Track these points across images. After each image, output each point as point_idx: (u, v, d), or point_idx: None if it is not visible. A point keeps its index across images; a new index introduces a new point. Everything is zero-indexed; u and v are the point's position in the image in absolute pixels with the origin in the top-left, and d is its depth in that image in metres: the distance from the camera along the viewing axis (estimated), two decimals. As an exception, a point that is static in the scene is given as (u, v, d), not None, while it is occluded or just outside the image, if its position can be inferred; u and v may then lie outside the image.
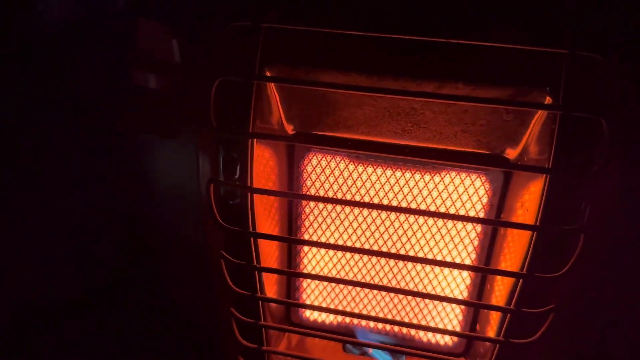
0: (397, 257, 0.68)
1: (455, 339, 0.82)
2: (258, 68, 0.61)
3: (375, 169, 0.74)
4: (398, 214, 0.75)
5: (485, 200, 0.72)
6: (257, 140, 0.65)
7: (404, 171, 0.73)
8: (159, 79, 0.68)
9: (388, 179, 0.73)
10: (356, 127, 0.70)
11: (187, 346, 0.90)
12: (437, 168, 0.72)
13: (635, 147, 0.57)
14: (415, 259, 0.69)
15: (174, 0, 0.69)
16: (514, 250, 0.68)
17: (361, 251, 0.72)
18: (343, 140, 0.71)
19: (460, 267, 0.69)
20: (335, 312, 0.75)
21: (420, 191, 0.73)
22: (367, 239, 0.78)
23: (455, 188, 0.72)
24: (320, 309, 0.81)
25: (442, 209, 0.73)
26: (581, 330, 0.68)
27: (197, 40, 0.66)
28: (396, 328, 0.83)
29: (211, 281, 0.71)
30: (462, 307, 0.79)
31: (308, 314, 0.86)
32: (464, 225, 0.74)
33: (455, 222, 0.74)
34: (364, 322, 0.84)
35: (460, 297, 0.78)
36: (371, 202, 0.75)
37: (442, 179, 0.72)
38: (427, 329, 0.75)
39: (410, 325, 0.80)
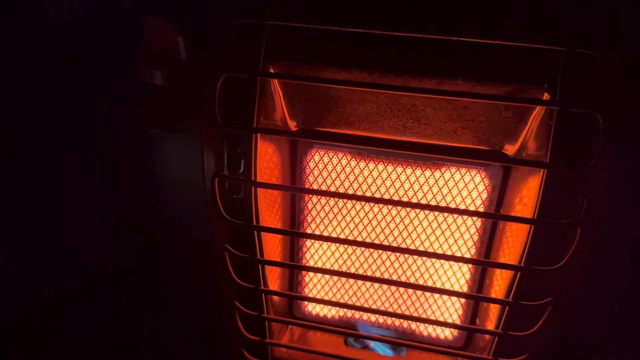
0: (399, 250, 0.69)
1: (455, 332, 0.83)
2: (262, 65, 0.63)
3: (376, 165, 0.75)
4: (399, 209, 0.76)
5: (485, 195, 0.74)
6: (261, 136, 0.66)
7: (405, 167, 0.74)
8: (165, 75, 0.69)
9: (389, 175, 0.75)
10: (358, 124, 0.71)
11: (191, 338, 0.92)
12: (437, 164, 0.73)
13: (631, 142, 0.58)
14: (416, 252, 0.70)
15: (180, -1, 0.71)
16: (513, 245, 0.69)
17: (364, 244, 0.73)
18: (345, 136, 0.72)
19: (460, 259, 0.70)
20: (337, 304, 0.76)
21: (421, 186, 0.74)
22: (369, 234, 0.79)
23: (456, 184, 0.74)
24: (322, 301, 0.82)
25: (443, 204, 0.75)
26: (578, 322, 0.69)
27: (203, 38, 0.67)
28: (397, 322, 0.84)
29: (215, 274, 0.72)
30: (462, 301, 0.81)
31: (310, 307, 0.87)
32: (464, 221, 0.75)
33: (455, 217, 0.75)
34: (365, 317, 0.86)
35: (460, 291, 0.79)
36: (373, 196, 0.76)
37: (442, 174, 0.73)
38: (427, 321, 0.77)
39: (410, 318, 0.81)
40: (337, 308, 0.86)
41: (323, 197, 0.78)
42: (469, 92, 0.61)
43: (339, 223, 0.79)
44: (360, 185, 0.76)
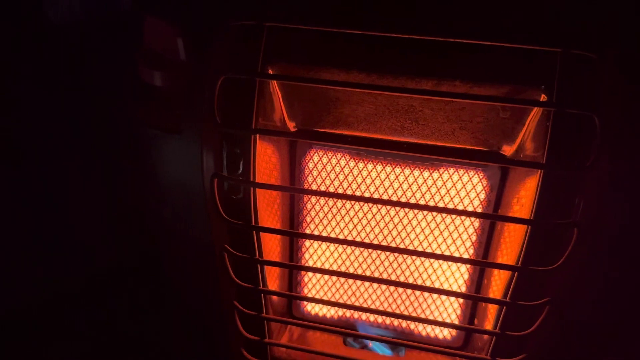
0: (397, 250, 0.70)
1: (453, 332, 0.83)
2: (261, 66, 0.63)
3: (375, 165, 0.75)
4: (398, 210, 0.77)
5: (482, 196, 0.74)
6: (259, 136, 0.66)
7: (403, 167, 0.74)
8: (165, 76, 0.69)
9: (388, 175, 0.75)
10: (356, 125, 0.71)
11: (191, 338, 0.92)
12: (435, 164, 0.73)
13: (627, 142, 0.58)
14: (414, 252, 0.70)
15: (180, 0, 0.71)
16: (511, 245, 0.70)
17: (363, 245, 0.74)
18: (344, 137, 0.72)
19: (458, 260, 0.70)
20: (337, 304, 0.77)
21: (419, 187, 0.75)
22: (368, 234, 0.79)
23: (454, 184, 0.74)
24: (321, 301, 0.83)
25: (441, 205, 0.75)
26: (576, 322, 0.69)
27: (202, 39, 0.67)
28: (396, 322, 0.85)
29: (215, 274, 0.72)
30: (461, 301, 0.81)
31: (309, 307, 0.87)
32: (462, 221, 0.76)
33: (453, 218, 0.75)
34: (364, 317, 0.86)
35: (458, 291, 0.80)
36: (371, 197, 0.76)
37: (440, 175, 0.74)
38: (425, 321, 0.77)
39: (409, 318, 0.81)
40: (336, 308, 0.86)
41: (322, 198, 0.79)
42: (467, 94, 0.61)
43: (337, 223, 0.80)
44: (359, 185, 0.77)
